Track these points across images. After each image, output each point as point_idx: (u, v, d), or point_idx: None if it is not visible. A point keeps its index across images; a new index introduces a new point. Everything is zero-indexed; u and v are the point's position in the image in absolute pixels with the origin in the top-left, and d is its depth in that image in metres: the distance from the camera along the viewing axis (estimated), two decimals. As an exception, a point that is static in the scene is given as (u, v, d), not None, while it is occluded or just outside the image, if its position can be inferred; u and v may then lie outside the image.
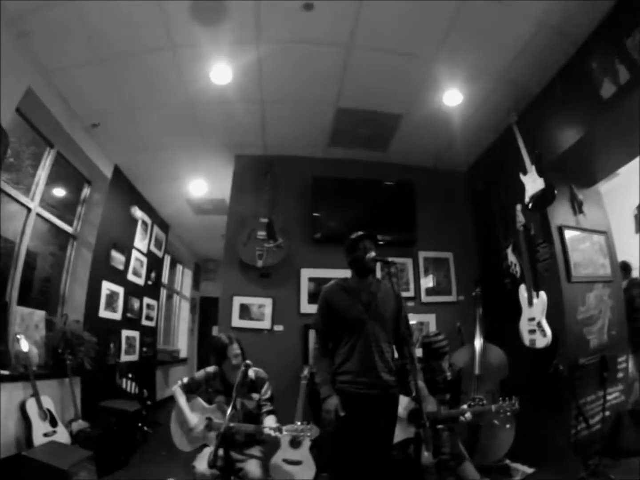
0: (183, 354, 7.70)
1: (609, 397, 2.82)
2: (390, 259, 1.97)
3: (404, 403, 2.28)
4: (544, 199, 3.00)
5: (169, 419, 2.40)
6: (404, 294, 3.62)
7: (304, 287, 3.78)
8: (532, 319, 2.96)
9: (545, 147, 3.10)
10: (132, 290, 4.90)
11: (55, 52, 2.85)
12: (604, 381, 2.78)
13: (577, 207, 3.25)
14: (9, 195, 3.05)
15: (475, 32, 2.74)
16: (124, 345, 4.64)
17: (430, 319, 3.79)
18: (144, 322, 5.35)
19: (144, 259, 5.28)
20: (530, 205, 3.09)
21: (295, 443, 2.65)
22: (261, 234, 3.72)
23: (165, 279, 6.78)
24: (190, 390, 2.39)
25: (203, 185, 4.94)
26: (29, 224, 3.28)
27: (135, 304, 5.03)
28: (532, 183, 3.06)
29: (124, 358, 4.60)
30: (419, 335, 3.42)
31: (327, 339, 2.11)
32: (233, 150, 4.15)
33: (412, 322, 2.26)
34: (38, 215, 3.41)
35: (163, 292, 6.77)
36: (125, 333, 4.70)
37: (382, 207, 3.98)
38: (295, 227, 3.91)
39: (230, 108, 3.46)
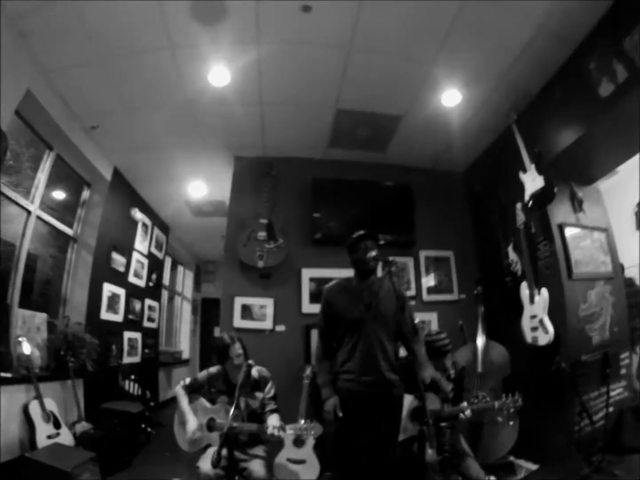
0: (185, 355, 7.71)
1: (611, 394, 2.83)
2: (391, 258, 1.97)
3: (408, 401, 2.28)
4: (544, 197, 3.01)
5: (172, 420, 2.40)
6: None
7: (305, 287, 3.78)
8: (534, 317, 2.96)
9: (545, 145, 3.10)
10: (134, 292, 4.90)
11: (55, 52, 2.85)
12: (606, 377, 2.79)
13: (577, 205, 3.26)
14: (9, 198, 3.05)
15: (476, 33, 2.73)
16: (126, 347, 4.64)
17: (432, 318, 3.79)
18: (146, 324, 5.35)
19: (145, 261, 5.28)
20: (530, 203, 3.09)
21: (299, 442, 2.65)
22: (261, 234, 3.72)
23: (166, 280, 6.78)
24: (193, 390, 2.38)
25: (202, 186, 4.93)
26: (29, 227, 3.28)
27: (137, 305, 5.03)
28: (532, 181, 3.07)
29: (126, 360, 4.60)
30: (421, 334, 3.42)
31: (329, 339, 2.13)
32: (232, 151, 4.15)
33: (416, 320, 2.27)
34: (38, 217, 3.40)
35: (164, 294, 6.78)
36: (127, 335, 4.70)
37: (381, 208, 3.98)
38: (295, 227, 3.92)
39: (230, 109, 3.46)
